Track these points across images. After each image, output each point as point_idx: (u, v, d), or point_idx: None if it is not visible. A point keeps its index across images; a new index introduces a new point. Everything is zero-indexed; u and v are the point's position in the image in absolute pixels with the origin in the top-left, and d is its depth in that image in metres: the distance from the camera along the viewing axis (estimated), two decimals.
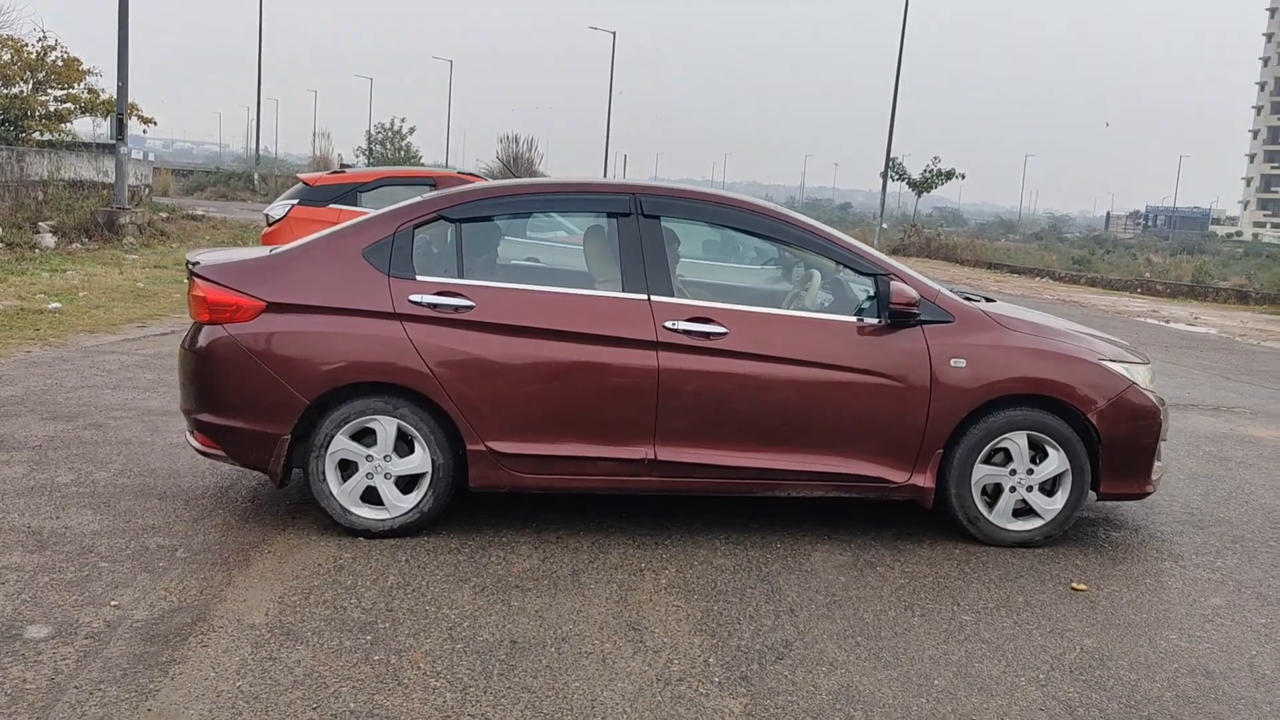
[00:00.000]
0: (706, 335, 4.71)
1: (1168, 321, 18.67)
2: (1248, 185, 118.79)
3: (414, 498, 4.70)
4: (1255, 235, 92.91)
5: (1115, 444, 4.94)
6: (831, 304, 5.17)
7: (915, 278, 4.98)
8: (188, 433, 4.94)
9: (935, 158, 43.12)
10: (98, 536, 4.52)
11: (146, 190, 27.23)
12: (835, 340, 4.83)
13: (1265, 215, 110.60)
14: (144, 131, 25.11)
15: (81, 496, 5.05)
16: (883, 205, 42.96)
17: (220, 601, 3.93)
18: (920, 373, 4.81)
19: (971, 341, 4.87)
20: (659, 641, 3.79)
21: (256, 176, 49.15)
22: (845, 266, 5.01)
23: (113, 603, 3.86)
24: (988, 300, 5.43)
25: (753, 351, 4.74)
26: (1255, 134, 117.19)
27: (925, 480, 4.87)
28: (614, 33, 56.11)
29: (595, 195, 5.07)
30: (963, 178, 43.69)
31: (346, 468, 4.71)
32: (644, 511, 5.22)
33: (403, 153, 56.23)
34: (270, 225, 11.11)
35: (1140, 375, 5.11)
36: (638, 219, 4.85)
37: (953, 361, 4.83)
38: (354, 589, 4.11)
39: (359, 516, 4.69)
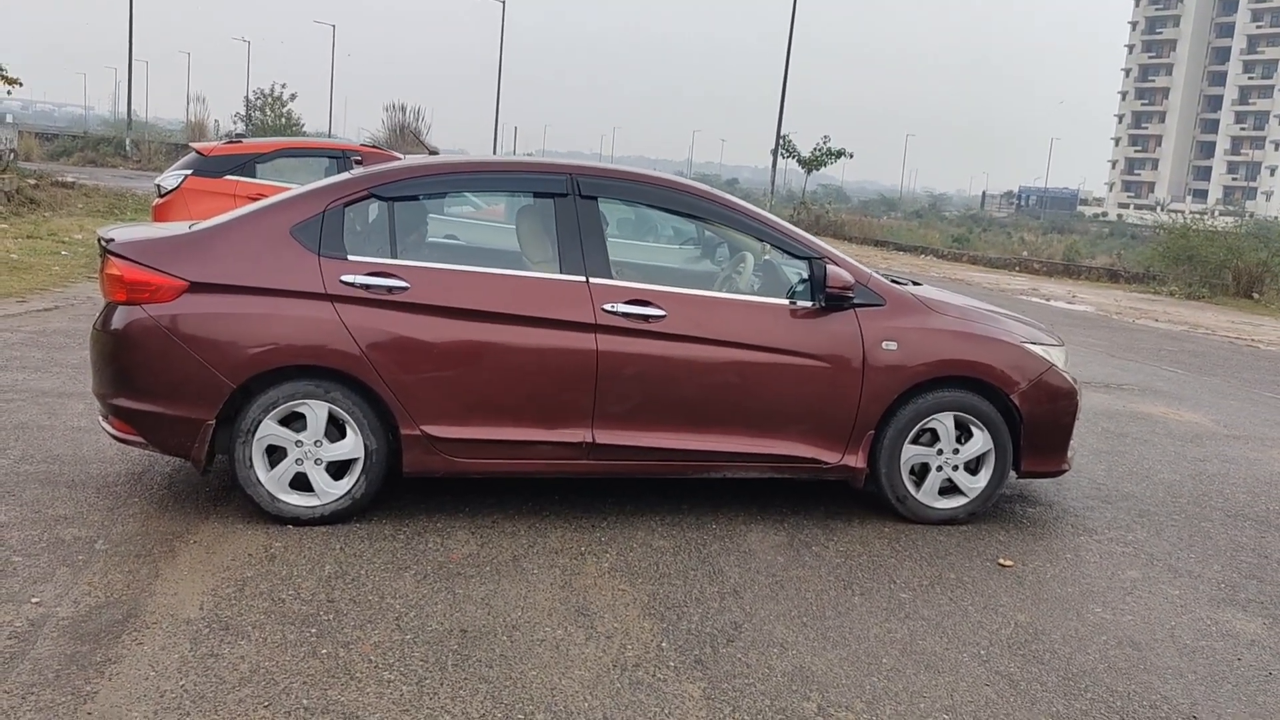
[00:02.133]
0: (645, 318, 4.68)
1: (1049, 300, 19.39)
2: (1113, 168, 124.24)
3: (346, 484, 4.58)
4: (1119, 215, 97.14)
5: (1036, 424, 5.11)
6: (763, 286, 5.21)
7: (848, 261, 5.04)
8: (101, 417, 4.70)
9: (825, 136, 43.70)
10: (6, 528, 4.28)
11: (11, 155, 25.81)
12: (770, 323, 4.86)
13: (1129, 196, 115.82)
14: (8, 93, 23.71)
15: None
16: (773, 181, 43.49)
17: (150, 595, 3.76)
18: (853, 355, 4.88)
19: (902, 325, 4.96)
20: (609, 626, 3.77)
21: (129, 142, 47.04)
22: (781, 250, 5.04)
23: (33, 599, 3.66)
24: (915, 284, 5.54)
25: (690, 334, 4.74)
26: (1120, 118, 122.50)
27: (857, 461, 4.96)
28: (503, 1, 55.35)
29: (532, 175, 4.98)
30: (851, 156, 44.40)
31: (274, 453, 4.55)
32: (580, 494, 5.19)
33: (283, 120, 54.48)
34: (162, 196, 10.64)
35: (1057, 357, 5.29)
36: (575, 199, 4.79)
37: (884, 344, 4.91)
38: (290, 579, 3.98)
39: (288, 504, 4.54)
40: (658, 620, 3.85)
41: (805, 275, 4.99)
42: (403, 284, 4.51)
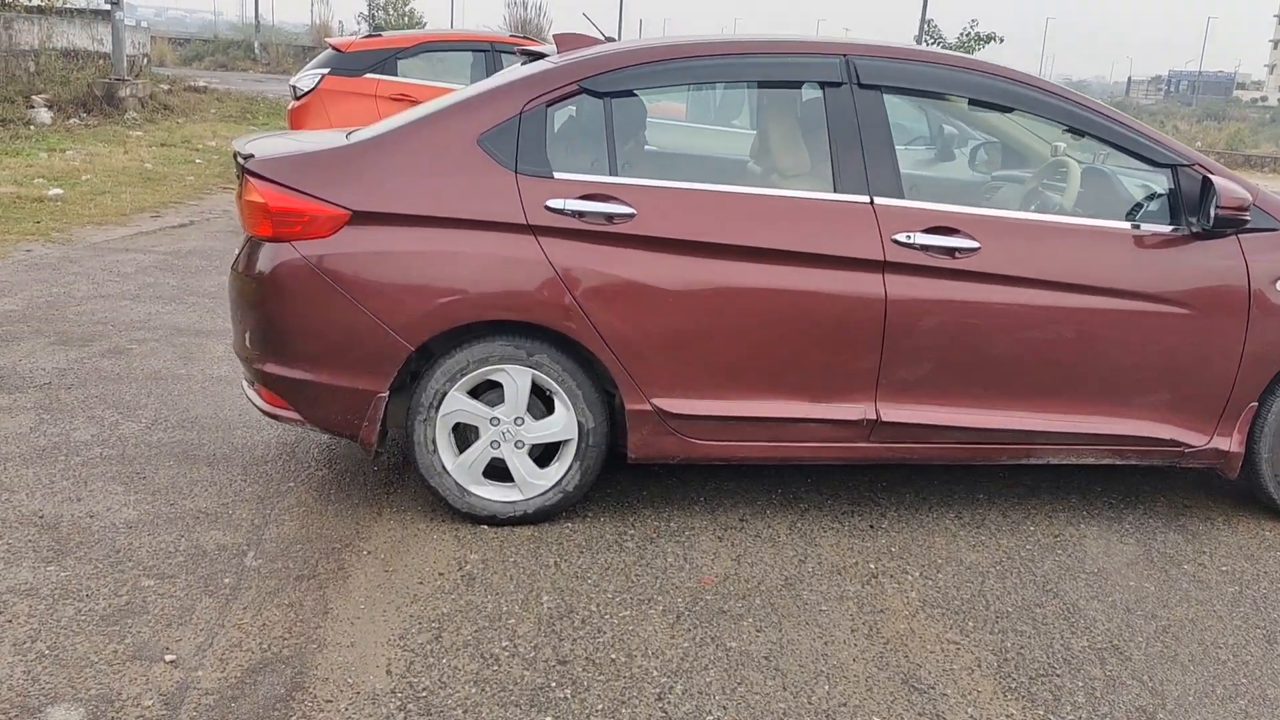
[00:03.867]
0: (951, 252, 3.43)
1: None
2: (1275, 48, 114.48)
3: (555, 472, 3.51)
4: None
5: None
6: (1095, 205, 3.88)
7: (1226, 171, 3.67)
8: (246, 384, 3.71)
9: (973, 20, 40.61)
10: (135, 531, 3.34)
11: (145, 60, 25.35)
12: (1115, 256, 3.55)
13: None
14: None
15: (107, 463, 3.86)
16: None
17: (319, 649, 2.76)
18: (1233, 299, 3.55)
19: None
20: (964, 717, 2.62)
21: (256, 45, 46.76)
22: (1132, 154, 3.68)
23: (167, 656, 2.69)
24: None
25: (1010, 273, 3.47)
26: None
27: (1232, 444, 3.65)
28: None
29: (792, 58, 3.70)
30: (1001, 41, 41.17)
31: (462, 434, 3.50)
32: (829, 478, 4.02)
33: (406, 19, 53.56)
34: (298, 99, 9.67)
35: None
36: (852, 90, 3.52)
37: (1279, 284, 3.56)
38: (500, 620, 2.93)
39: (482, 499, 3.50)
40: (1027, 704, 2.68)
41: (1159, 190, 3.65)
42: (627, 210, 3.34)
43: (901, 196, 3.46)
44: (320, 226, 3.31)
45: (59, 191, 9.82)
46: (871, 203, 3.43)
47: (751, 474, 3.99)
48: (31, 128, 14.57)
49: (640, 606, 3.03)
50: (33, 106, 15.57)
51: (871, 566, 3.34)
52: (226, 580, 3.07)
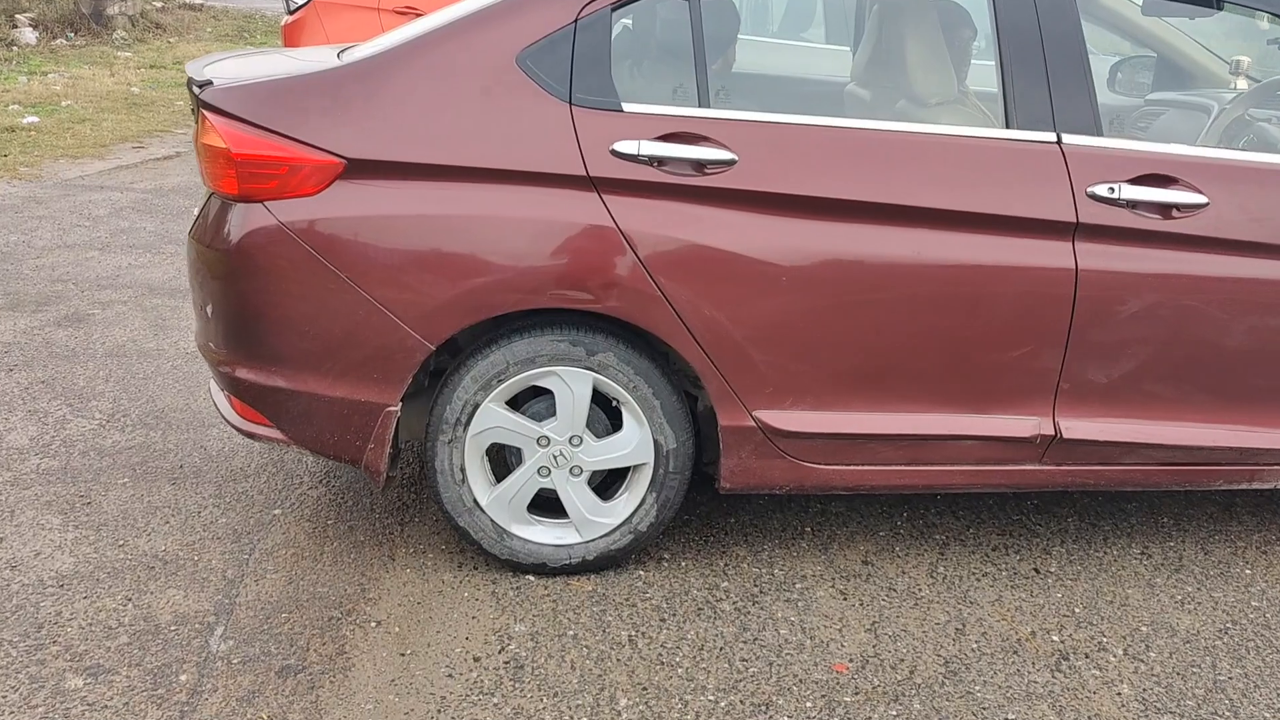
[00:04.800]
0: (1168, 209, 2.50)
1: None
2: None
3: (622, 507, 2.64)
4: None
5: None
6: None
7: None
8: (215, 393, 2.83)
9: None
10: (67, 591, 2.50)
11: None
12: None
13: None
14: None
15: (44, 481, 3.01)
16: None
17: None
18: None
19: None
20: None
21: None
22: None
23: None
24: None
25: (1248, 239, 2.54)
26: None
27: None
28: None
29: None
30: None
31: (499, 456, 2.63)
32: (963, 495, 3.14)
33: None
34: (292, 13, 8.60)
35: None
36: None
37: None
38: None
39: (526, 541, 2.64)
40: None
41: None
42: (725, 155, 2.41)
43: (1099, 134, 2.52)
44: (304, 180, 2.40)
45: (34, 120, 8.87)
46: (1058, 142, 2.49)
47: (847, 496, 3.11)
48: (14, 49, 13.53)
49: (758, 712, 2.18)
50: (16, 26, 14.50)
51: (1055, 640, 2.47)
52: (184, 678, 2.23)
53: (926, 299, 2.49)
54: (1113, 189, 2.46)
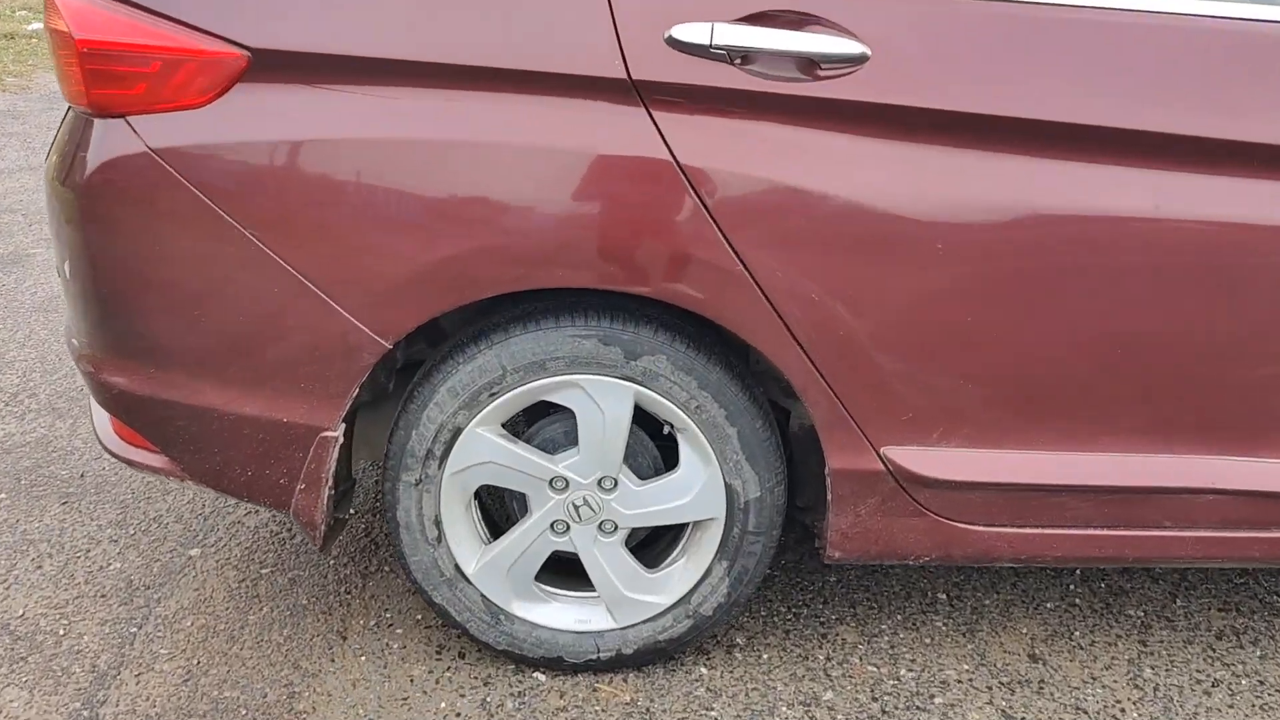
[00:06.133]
0: None
1: None
2: None
3: (679, 579, 1.77)
4: None
5: None
6: None
7: None
8: (93, 408, 2.00)
9: None
10: None
11: None
12: None
13: None
14: None
15: None
16: None
17: None
18: None
19: None
20: None
21: None
22: None
23: None
24: None
25: None
26: None
27: None
28: None
29: None
30: None
31: (490, 505, 1.78)
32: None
33: None
34: None
35: None
36: None
37: None
38: None
39: (535, 626, 1.79)
40: None
41: None
42: (850, 45, 1.47)
43: None
44: (185, 84, 1.52)
45: (37, 26, 8.11)
46: None
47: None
48: None
49: None
50: None
51: None
52: None
53: (1168, 278, 1.56)
54: None
